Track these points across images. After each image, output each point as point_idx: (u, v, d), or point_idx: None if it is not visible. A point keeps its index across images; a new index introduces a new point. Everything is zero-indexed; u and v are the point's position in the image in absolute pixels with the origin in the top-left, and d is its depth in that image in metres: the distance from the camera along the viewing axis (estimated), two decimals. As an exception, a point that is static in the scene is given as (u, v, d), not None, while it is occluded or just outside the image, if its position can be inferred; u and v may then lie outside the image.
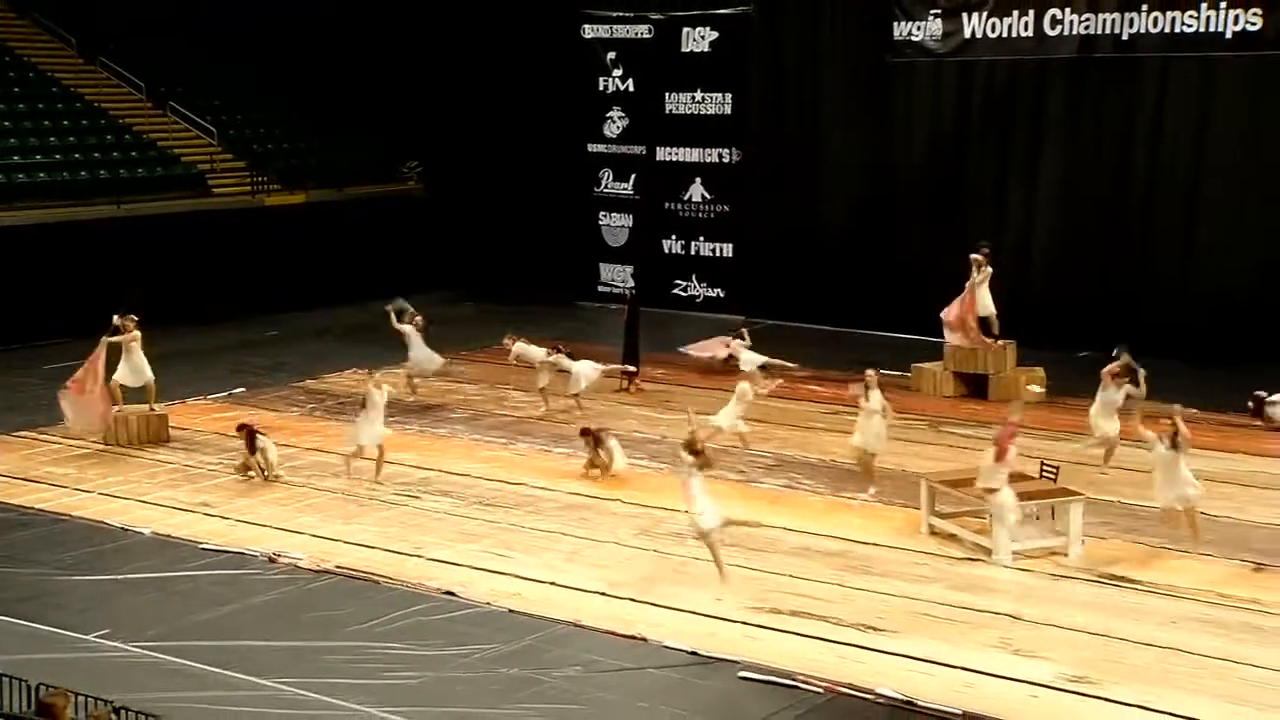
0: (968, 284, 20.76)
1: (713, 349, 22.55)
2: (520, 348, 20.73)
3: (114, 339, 18.57)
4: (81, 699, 9.05)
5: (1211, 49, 22.80)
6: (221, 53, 31.78)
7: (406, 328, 20.67)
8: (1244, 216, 22.93)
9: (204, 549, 14.66)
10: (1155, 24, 23.18)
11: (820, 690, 11.23)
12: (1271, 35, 22.20)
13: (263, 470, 16.88)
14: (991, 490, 13.88)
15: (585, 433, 17.08)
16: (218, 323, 26.27)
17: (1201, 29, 22.76)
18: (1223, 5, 22.52)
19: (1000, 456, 13.82)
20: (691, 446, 13.23)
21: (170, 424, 19.13)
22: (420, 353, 20.70)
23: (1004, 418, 14.56)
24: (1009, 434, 13.97)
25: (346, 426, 19.50)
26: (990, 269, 20.71)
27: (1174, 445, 14.08)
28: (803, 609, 12.87)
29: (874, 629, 12.42)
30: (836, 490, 16.54)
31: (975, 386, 21.11)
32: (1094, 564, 13.98)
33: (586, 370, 20.23)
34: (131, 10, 31.46)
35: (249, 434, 17.04)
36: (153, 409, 19.01)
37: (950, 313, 21.09)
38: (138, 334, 18.77)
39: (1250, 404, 18.74)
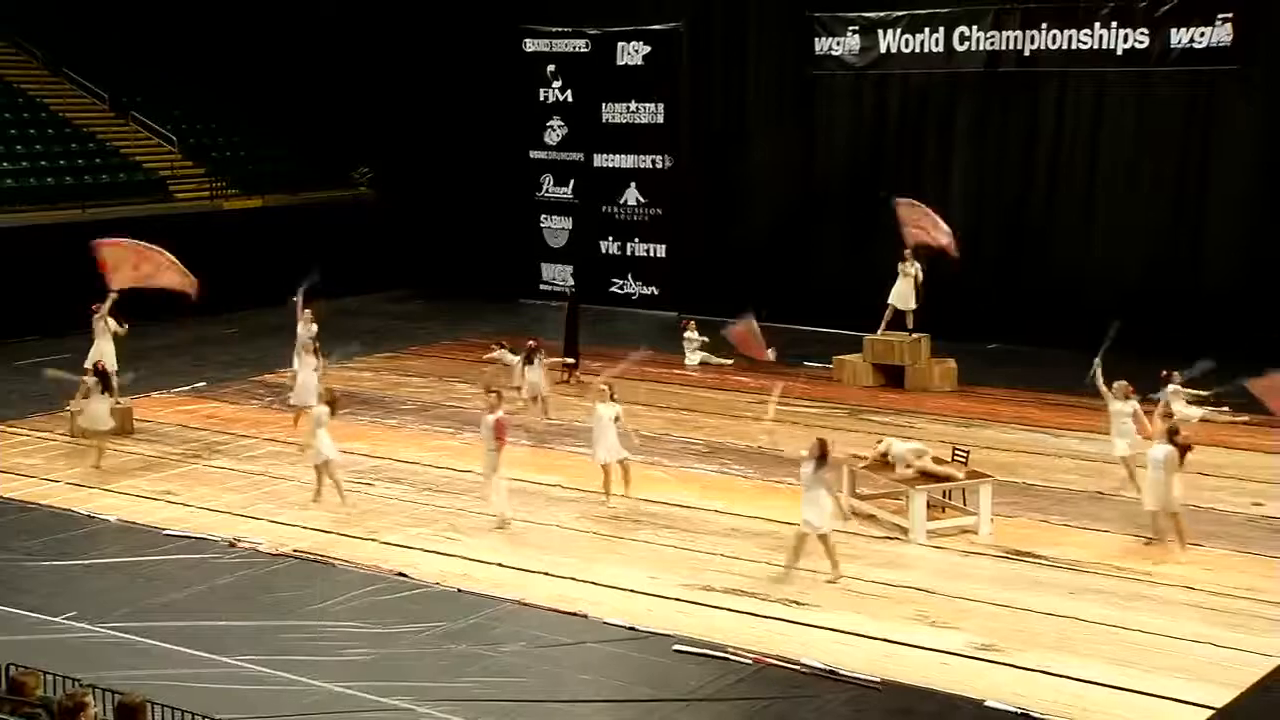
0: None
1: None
2: (500, 354, 20.57)
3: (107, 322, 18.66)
4: (51, 678, 8.94)
5: (1104, 65, 23.17)
6: (181, 64, 31.40)
7: None
8: (1134, 215, 23.29)
9: (167, 535, 14.50)
10: (1054, 41, 23.51)
11: (749, 661, 11.28)
12: (1156, 53, 22.63)
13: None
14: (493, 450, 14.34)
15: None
16: (179, 320, 25.95)
17: (1096, 46, 23.14)
18: (1114, 25, 22.91)
19: (499, 437, 14.31)
20: (328, 399, 15.54)
21: (134, 416, 18.88)
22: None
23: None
24: (502, 427, 14.40)
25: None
26: (917, 266, 20.94)
27: (819, 464, 12.75)
28: (733, 586, 12.92)
29: (799, 604, 12.49)
30: (765, 475, 16.61)
31: (892, 377, 21.28)
32: (1002, 541, 14.14)
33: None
34: (94, 24, 31.03)
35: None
36: (118, 401, 18.73)
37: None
38: (109, 322, 18.66)
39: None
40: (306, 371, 17.99)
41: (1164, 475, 13.41)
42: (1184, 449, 13.57)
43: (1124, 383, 15.31)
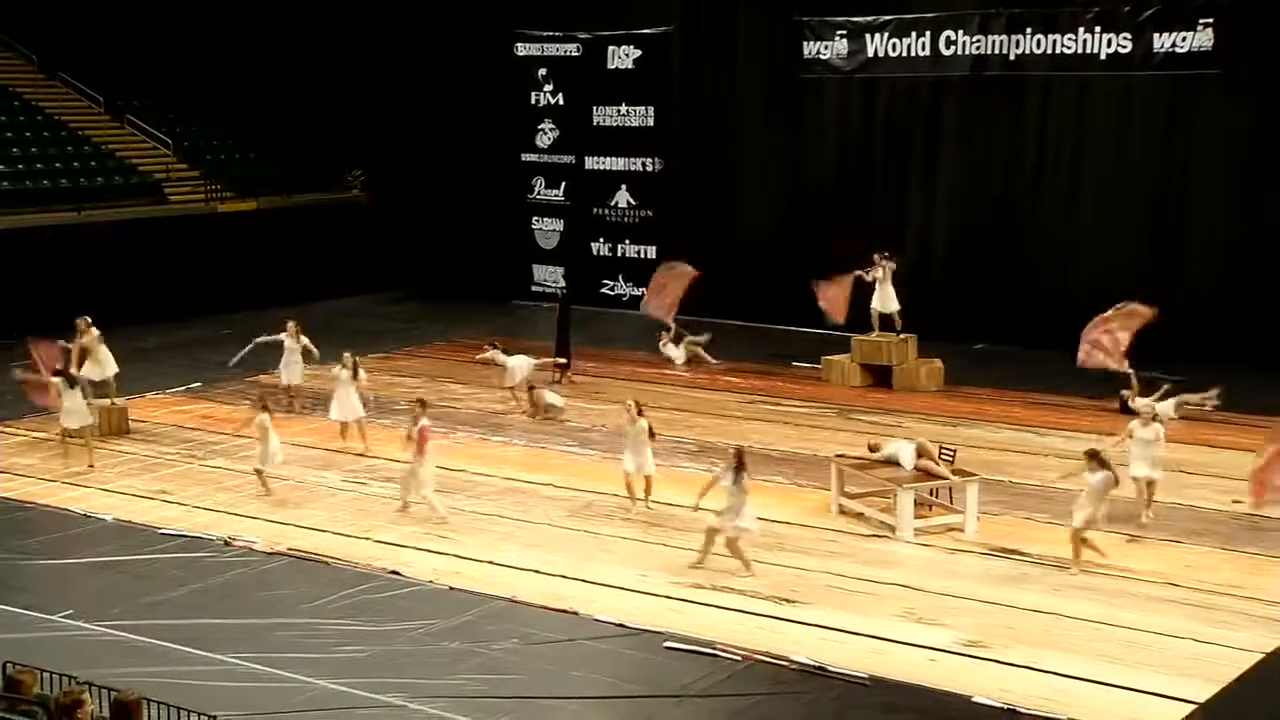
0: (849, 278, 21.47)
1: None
2: (492, 354, 20.61)
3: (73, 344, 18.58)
4: (48, 675, 8.93)
5: (1088, 68, 23.23)
6: (176, 69, 31.38)
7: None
8: (1117, 216, 23.36)
9: (163, 534, 14.49)
10: (1039, 46, 23.57)
11: (739, 658, 11.30)
12: (1139, 57, 22.71)
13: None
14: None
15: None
16: (174, 322, 25.97)
17: (1080, 51, 23.20)
18: (1098, 30, 22.99)
19: (420, 448, 14.67)
20: (261, 404, 15.88)
21: (130, 416, 18.87)
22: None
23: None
24: (424, 434, 14.72)
25: (293, 420, 19.41)
26: (886, 268, 20.98)
27: (738, 473, 13.04)
28: (723, 583, 12.93)
29: (788, 601, 12.51)
30: (754, 474, 16.57)
31: (880, 377, 21.32)
32: (988, 539, 14.17)
33: (521, 364, 20.22)
34: (89, 28, 31.00)
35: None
36: (113, 402, 18.73)
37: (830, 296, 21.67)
38: (95, 333, 18.63)
39: (1118, 404, 19.03)
40: (344, 386, 17.65)
41: (1097, 499, 13.10)
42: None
43: (1148, 405, 15.03)
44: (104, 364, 18.83)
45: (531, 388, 19.61)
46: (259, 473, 15.74)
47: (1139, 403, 14.90)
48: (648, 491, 15.14)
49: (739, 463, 13.08)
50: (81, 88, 29.99)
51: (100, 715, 7.98)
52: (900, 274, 21.53)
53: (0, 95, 28.87)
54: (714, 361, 22.67)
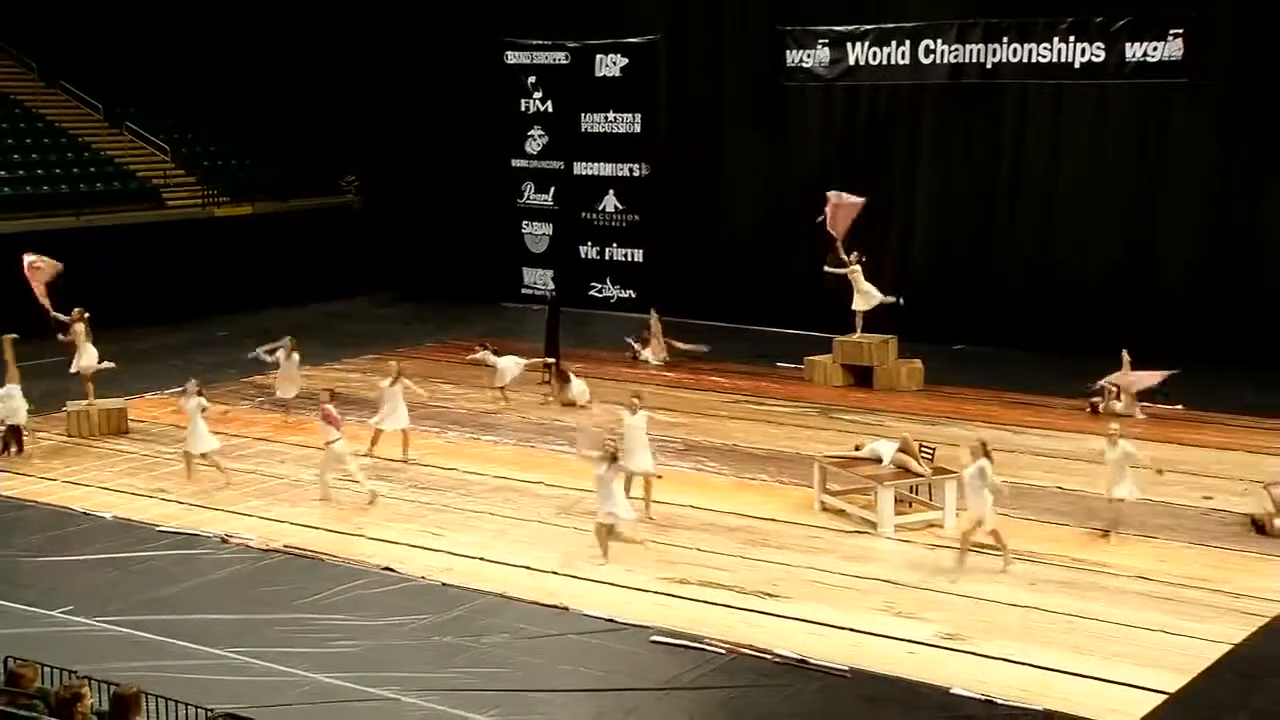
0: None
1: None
2: (483, 355, 20.57)
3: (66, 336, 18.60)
4: (48, 670, 8.93)
5: (1063, 77, 23.31)
6: (173, 76, 31.33)
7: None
8: (1092, 220, 23.44)
9: (161, 531, 14.48)
10: (1015, 54, 23.65)
11: (723, 651, 11.33)
12: (1112, 66, 22.80)
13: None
14: (331, 442, 15.32)
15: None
16: (172, 324, 25.92)
17: (1054, 59, 23.29)
18: (1072, 39, 23.08)
19: (329, 421, 15.34)
20: (197, 390, 16.29)
21: (129, 417, 18.84)
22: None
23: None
24: (329, 415, 15.37)
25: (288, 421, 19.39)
26: (858, 267, 21.10)
27: (610, 464, 13.25)
28: (708, 579, 12.96)
29: (772, 596, 12.54)
30: (739, 472, 16.68)
31: (861, 377, 21.36)
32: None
33: (510, 364, 20.26)
34: (88, 37, 30.95)
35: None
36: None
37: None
38: (80, 327, 18.53)
39: (1088, 408, 19.14)
40: (394, 399, 17.15)
41: (980, 489, 13.02)
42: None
43: (1116, 427, 14.92)
44: (82, 356, 18.66)
45: (566, 378, 19.98)
46: (188, 456, 16.13)
47: (1112, 427, 14.74)
48: (647, 491, 14.75)
49: (612, 455, 13.22)
50: (81, 95, 29.96)
51: (100, 709, 7.98)
52: (882, 276, 21.59)
53: (1, 102, 28.82)
54: (702, 348, 22.83)
